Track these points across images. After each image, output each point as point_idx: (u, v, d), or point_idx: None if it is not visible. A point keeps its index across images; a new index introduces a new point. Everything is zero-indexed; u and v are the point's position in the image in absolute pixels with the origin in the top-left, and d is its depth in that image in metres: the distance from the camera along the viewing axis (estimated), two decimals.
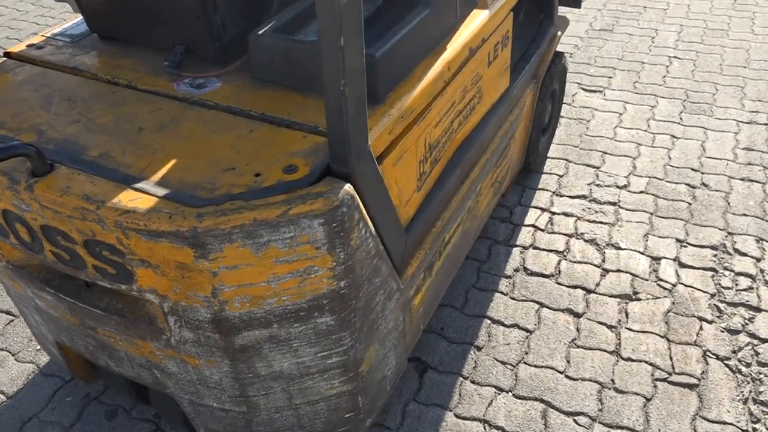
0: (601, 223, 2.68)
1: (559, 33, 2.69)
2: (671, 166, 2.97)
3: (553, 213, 2.75)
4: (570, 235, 2.63)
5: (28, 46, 1.88)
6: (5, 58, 1.86)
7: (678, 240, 2.57)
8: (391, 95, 1.55)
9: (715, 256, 2.49)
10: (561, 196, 2.84)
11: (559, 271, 2.47)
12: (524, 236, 2.65)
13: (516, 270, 2.50)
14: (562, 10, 4.30)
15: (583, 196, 2.83)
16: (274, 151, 1.41)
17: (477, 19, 1.88)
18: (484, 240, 2.64)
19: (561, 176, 2.96)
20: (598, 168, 3.00)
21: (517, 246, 2.60)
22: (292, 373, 1.54)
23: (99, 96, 1.65)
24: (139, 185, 1.34)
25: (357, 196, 1.35)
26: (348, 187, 1.31)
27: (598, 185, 2.89)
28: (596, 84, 3.64)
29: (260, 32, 1.61)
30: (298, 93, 1.59)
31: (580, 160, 3.06)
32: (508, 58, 2.17)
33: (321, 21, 1.15)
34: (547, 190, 2.88)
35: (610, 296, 2.36)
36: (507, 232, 2.67)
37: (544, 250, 2.57)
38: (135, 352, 1.57)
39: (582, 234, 2.63)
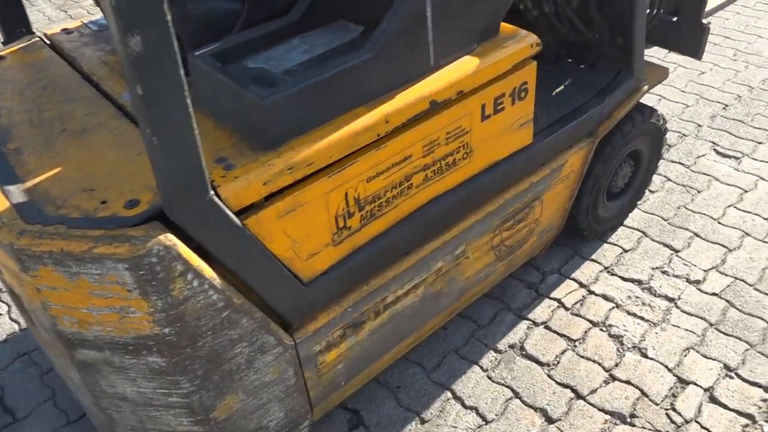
0: (642, 319, 2.24)
1: (645, 87, 2.24)
2: None
3: (591, 292, 2.36)
4: (595, 324, 2.23)
5: (63, 30, 2.04)
6: (37, 38, 2.04)
7: (726, 366, 2.06)
8: (288, 144, 1.42)
9: (766, 401, 1.95)
10: (612, 274, 2.42)
11: (558, 362, 2.12)
12: (542, 310, 2.31)
13: (511, 346, 2.20)
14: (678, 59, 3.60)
15: (638, 281, 2.38)
16: (140, 180, 1.37)
17: (461, 68, 1.63)
18: (496, 303, 2.35)
19: (626, 251, 2.52)
20: (677, 252, 2.49)
21: (527, 319, 2.28)
22: (137, 400, 1.52)
23: (68, 89, 1.74)
24: (8, 187, 1.40)
25: (182, 246, 1.27)
26: (165, 237, 1.24)
27: (664, 272, 2.40)
28: (736, 148, 3.00)
29: (197, 53, 1.56)
30: (213, 121, 1.52)
31: (661, 237, 2.57)
32: (528, 112, 1.87)
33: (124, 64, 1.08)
34: (598, 263, 2.47)
35: (599, 410, 1.97)
36: (525, 300, 2.35)
37: (555, 332, 2.22)
38: None
39: (610, 326, 2.22)
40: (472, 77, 1.64)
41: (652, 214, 2.68)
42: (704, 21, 2.32)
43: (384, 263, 1.77)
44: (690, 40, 2.37)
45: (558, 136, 2.03)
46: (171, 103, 1.11)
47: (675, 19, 2.40)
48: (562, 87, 2.21)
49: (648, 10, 2.21)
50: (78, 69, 1.81)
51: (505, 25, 1.78)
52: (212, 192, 1.27)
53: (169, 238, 1.24)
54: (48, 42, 1.99)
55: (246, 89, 1.40)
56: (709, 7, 2.45)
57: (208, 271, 1.34)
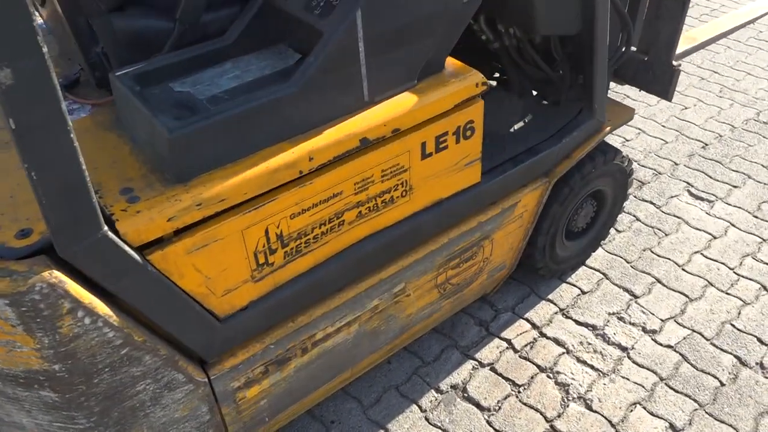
0: (591, 367, 2.16)
1: (608, 128, 2.17)
2: (733, 326, 2.29)
3: (543, 334, 2.29)
4: (542, 369, 2.16)
5: None
6: None
7: (672, 426, 1.98)
8: (198, 179, 1.36)
9: None
10: (567, 317, 2.35)
11: (499, 408, 2.05)
12: (490, 350, 2.24)
13: (453, 387, 2.12)
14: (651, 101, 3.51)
15: (593, 327, 2.30)
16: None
17: (399, 105, 1.56)
18: (444, 339, 2.28)
19: (584, 293, 2.44)
20: (636, 297, 2.41)
21: (474, 359, 2.21)
22: (35, 430, 1.46)
23: None
24: None
25: (71, 283, 1.21)
26: (49, 273, 1.17)
27: (621, 318, 2.33)
28: (711, 191, 2.92)
29: (118, 73, 1.50)
30: (131, 146, 1.46)
31: (622, 280, 2.49)
32: (475, 151, 1.80)
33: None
34: (554, 304, 2.40)
35: None
36: (475, 338, 2.28)
37: (500, 375, 2.15)
38: None
39: (557, 373, 2.15)
40: (410, 115, 1.58)
41: (616, 255, 2.60)
42: (675, 63, 2.25)
43: (312, 300, 1.71)
44: (660, 80, 2.30)
45: (509, 176, 1.96)
46: (50, 137, 1.05)
47: (646, 58, 2.33)
48: (521, 124, 2.14)
49: (621, 47, 2.14)
50: None
51: (452, 62, 1.71)
52: (105, 228, 1.21)
53: (54, 275, 1.18)
54: None
55: (156, 118, 1.34)
56: (681, 49, 2.38)
57: (102, 308, 1.27)
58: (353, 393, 2.12)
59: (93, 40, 1.57)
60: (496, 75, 2.41)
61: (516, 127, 2.14)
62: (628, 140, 3.27)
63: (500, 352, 2.23)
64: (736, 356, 2.18)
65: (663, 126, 3.38)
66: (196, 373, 1.53)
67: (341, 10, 1.43)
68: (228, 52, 1.63)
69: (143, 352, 1.39)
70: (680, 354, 2.20)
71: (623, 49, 2.16)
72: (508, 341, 2.27)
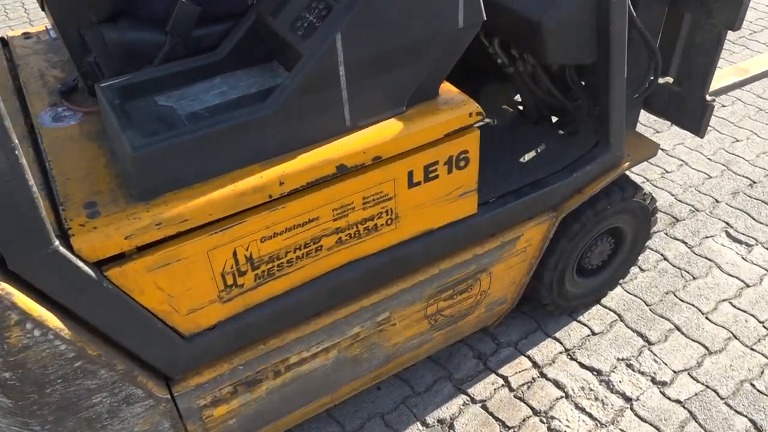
0: (589, 416, 2.04)
1: (626, 163, 2.04)
2: (752, 385, 2.11)
3: (543, 375, 2.17)
4: (536, 412, 2.05)
5: (23, 33, 2.03)
6: None
7: None
8: (161, 198, 1.34)
9: None
10: (572, 358, 2.22)
11: None
12: (484, 386, 2.14)
13: (440, 421, 2.04)
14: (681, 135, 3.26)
15: (598, 371, 2.17)
16: None
17: (382, 132, 1.50)
18: (439, 369, 2.20)
19: (594, 334, 2.31)
20: (650, 344, 2.26)
21: (466, 394, 2.12)
22: None
23: None
24: None
25: (19, 295, 1.21)
26: None
27: (630, 365, 2.19)
28: (751, 233, 2.72)
29: (102, 84, 1.51)
30: (108, 158, 1.46)
31: (637, 324, 2.34)
32: (470, 182, 1.72)
33: None
34: (560, 342, 2.28)
35: None
36: (470, 372, 2.19)
37: (491, 414, 2.06)
38: None
39: (552, 418, 2.03)
40: (394, 143, 1.52)
41: (635, 296, 2.45)
42: (709, 98, 2.09)
43: (286, 324, 1.67)
44: (692, 115, 2.15)
45: (511, 209, 1.87)
46: None
47: (679, 89, 2.18)
48: (533, 153, 2.04)
49: (649, 77, 2.01)
50: (15, 79, 1.80)
51: (448, 88, 1.64)
52: (56, 243, 1.20)
53: (1, 287, 1.19)
54: (5, 45, 1.99)
55: (123, 133, 1.33)
56: (717, 85, 2.22)
57: (53, 320, 1.27)
58: (337, 416, 2.08)
59: (85, 50, 1.58)
60: (518, 97, 2.32)
61: (527, 156, 2.04)
62: (668, 172, 3.09)
63: (495, 389, 2.14)
64: (751, 420, 2.01)
65: (709, 159, 3.17)
66: (156, 389, 1.52)
67: (322, 33, 1.38)
68: (218, 67, 1.61)
69: (98, 366, 1.38)
70: (689, 411, 2.05)
71: (651, 80, 2.02)
72: (505, 378, 2.17)
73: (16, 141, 1.07)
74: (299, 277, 1.61)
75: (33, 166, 1.45)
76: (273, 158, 1.43)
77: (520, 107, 2.25)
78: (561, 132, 2.12)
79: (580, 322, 2.36)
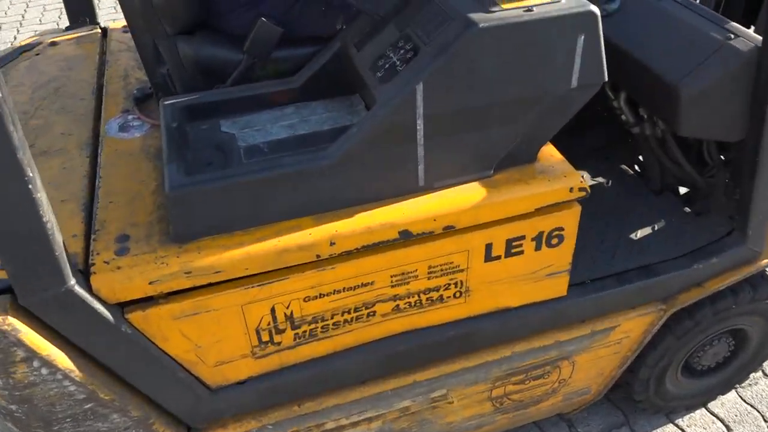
0: None
1: (765, 261, 1.67)
2: None
3: None
4: None
5: (123, 27, 1.97)
6: (97, 30, 2.00)
7: None
8: (196, 243, 1.19)
9: None
10: None
11: None
12: None
13: None
14: None
15: None
16: None
17: (460, 198, 1.28)
18: None
19: None
20: None
21: None
22: None
23: (73, 97, 1.66)
24: None
25: (27, 332, 1.11)
26: (2, 320, 1.09)
27: None
28: None
29: (167, 101, 1.39)
30: (159, 182, 1.35)
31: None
32: (563, 262, 1.45)
33: None
34: None
35: None
36: None
37: None
38: None
39: None
40: (473, 212, 1.29)
41: (752, 405, 2.06)
42: None
43: (326, 387, 1.50)
44: None
45: (610, 295, 1.58)
46: (2, 187, 0.94)
47: None
48: (647, 230, 1.72)
49: None
50: (101, 75, 1.74)
51: (550, 152, 1.38)
52: (72, 282, 1.09)
53: (8, 322, 1.09)
54: (104, 36, 1.95)
55: (167, 165, 1.19)
56: None
57: (63, 360, 1.17)
58: None
59: (160, 60, 1.48)
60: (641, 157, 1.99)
61: (640, 231, 1.72)
62: None
63: None
64: None
65: None
66: None
67: (403, 79, 1.18)
68: (294, 95, 1.46)
69: (111, 410, 1.28)
70: None
71: None
72: None
73: (31, 173, 0.96)
74: (346, 341, 1.43)
75: (83, 182, 1.37)
76: (327, 212, 1.25)
77: (642, 171, 1.93)
78: (687, 210, 1.78)
79: (677, 425, 2.01)
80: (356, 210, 1.26)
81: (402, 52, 1.22)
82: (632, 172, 1.94)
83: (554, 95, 1.24)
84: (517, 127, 1.27)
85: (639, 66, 1.48)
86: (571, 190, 1.32)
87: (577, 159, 2.01)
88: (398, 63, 1.21)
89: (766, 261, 1.68)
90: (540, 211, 1.34)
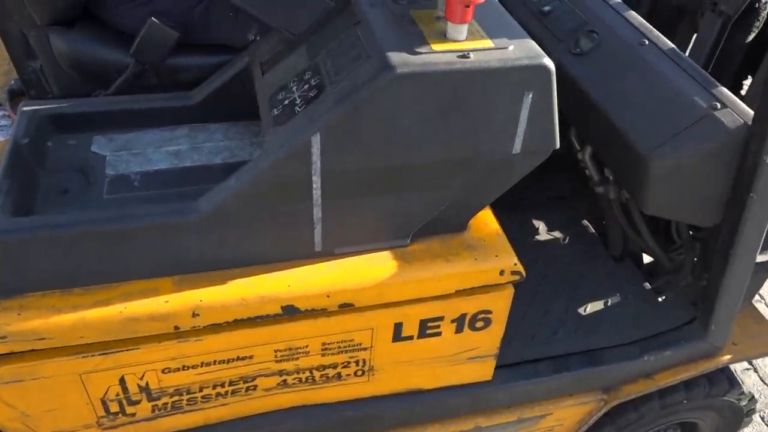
0: None
1: (726, 356, 1.45)
2: None
3: None
4: None
5: None
6: None
7: None
8: (19, 300, 0.95)
9: None
10: None
11: None
12: None
13: None
14: None
15: None
16: None
17: (364, 270, 1.04)
18: None
19: None
20: None
21: None
22: None
23: None
24: None
25: None
26: None
27: None
28: None
29: (26, 107, 1.13)
30: None
31: None
32: (489, 346, 1.22)
33: None
34: None
35: None
36: None
37: None
38: None
39: None
40: (377, 289, 1.05)
41: None
42: None
43: None
44: None
45: (544, 382, 1.36)
46: None
47: None
48: (598, 305, 1.50)
49: None
50: None
51: (485, 220, 1.14)
52: None
53: None
54: None
55: None
56: None
57: None
58: None
59: (29, 54, 1.21)
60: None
61: (590, 306, 1.50)
62: None
63: None
64: None
65: None
66: None
67: (297, 125, 0.93)
68: (189, 113, 1.20)
69: None
70: None
71: None
72: None
73: None
74: (220, 414, 1.19)
75: None
76: (194, 274, 1.01)
77: (604, 232, 1.70)
78: (647, 285, 1.56)
79: None
80: (231, 275, 1.01)
81: (306, 87, 0.97)
82: (593, 230, 1.71)
83: (488, 161, 1.00)
84: (441, 193, 1.03)
85: (607, 122, 1.24)
86: (501, 273, 1.09)
87: (534, 206, 1.81)
88: (298, 101, 0.96)
89: (727, 357, 1.47)
90: (463, 292, 1.11)
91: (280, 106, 0.99)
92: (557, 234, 1.68)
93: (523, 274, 1.10)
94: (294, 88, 0.99)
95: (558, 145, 1.02)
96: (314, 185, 0.95)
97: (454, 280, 1.08)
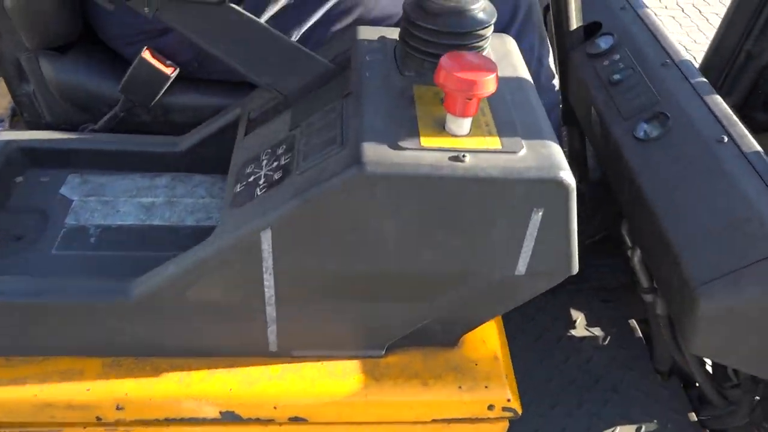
0: None
1: None
2: None
3: None
4: None
5: None
6: None
7: None
8: None
9: None
10: None
11: None
12: None
13: None
14: None
15: None
16: None
17: (330, 385, 0.87)
18: None
19: None
20: None
21: None
22: None
23: None
24: None
25: None
26: None
27: None
28: None
29: (1, 136, 1.04)
30: None
31: None
32: None
33: None
34: None
35: None
36: None
37: None
38: None
39: None
40: (335, 407, 0.88)
41: None
42: None
43: None
44: None
45: None
46: None
47: None
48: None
49: None
50: None
51: (485, 338, 0.95)
52: None
53: None
54: None
55: None
56: None
57: None
58: None
59: (22, 77, 1.12)
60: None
61: (617, 430, 1.27)
62: None
63: None
64: None
65: None
66: None
67: (250, 213, 0.78)
68: (176, 160, 1.08)
69: None
70: None
71: None
72: None
73: None
74: None
75: None
76: (128, 358, 0.88)
77: (650, 342, 1.45)
78: (693, 416, 1.30)
79: None
80: (167, 365, 0.87)
81: (275, 165, 0.82)
82: (640, 334, 1.47)
83: (485, 280, 0.82)
84: (423, 307, 0.85)
85: (658, 231, 1.02)
86: (490, 408, 0.89)
87: (575, 293, 1.58)
88: (261, 182, 0.81)
89: None
90: (441, 421, 0.92)
91: (244, 182, 0.84)
92: (597, 331, 1.45)
93: (519, 411, 0.90)
94: (264, 163, 0.84)
95: (576, 270, 0.82)
96: (266, 283, 0.80)
97: (431, 409, 0.89)
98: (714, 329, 0.93)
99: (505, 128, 0.77)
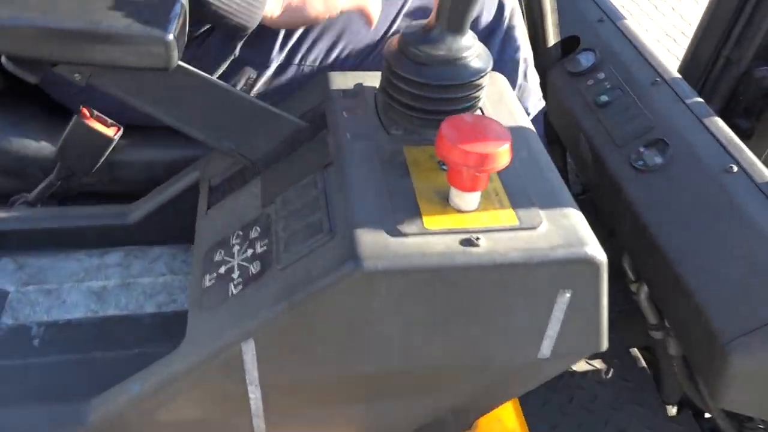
0: None
1: None
2: None
3: None
4: None
5: None
6: None
7: None
8: None
9: None
10: None
11: None
12: None
13: None
14: None
15: None
16: None
17: None
18: None
19: None
20: None
21: None
22: None
23: None
24: None
25: None
26: None
27: None
28: None
29: None
30: None
31: None
32: None
33: None
34: None
35: None
36: None
37: None
38: None
39: None
40: None
41: None
42: None
43: None
44: None
45: None
46: None
47: None
48: None
49: None
50: None
51: (500, 418, 0.85)
52: None
53: None
54: None
55: None
56: None
57: None
58: None
59: None
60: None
61: None
62: None
63: None
64: None
65: None
66: None
67: (228, 317, 0.65)
68: (127, 234, 0.94)
69: None
70: None
71: None
72: None
73: None
74: None
75: None
76: None
77: (657, 374, 1.37)
78: None
79: None
80: None
81: (249, 253, 0.69)
82: (644, 364, 1.39)
83: (507, 366, 0.71)
84: (434, 400, 0.74)
85: (671, 274, 0.93)
86: None
87: None
88: (235, 277, 0.68)
89: None
90: None
91: (214, 273, 0.71)
92: (599, 365, 1.37)
93: None
94: (235, 249, 0.71)
95: (605, 347, 0.72)
96: (252, 396, 0.68)
97: None
98: (746, 385, 0.85)
99: (518, 197, 0.66)
